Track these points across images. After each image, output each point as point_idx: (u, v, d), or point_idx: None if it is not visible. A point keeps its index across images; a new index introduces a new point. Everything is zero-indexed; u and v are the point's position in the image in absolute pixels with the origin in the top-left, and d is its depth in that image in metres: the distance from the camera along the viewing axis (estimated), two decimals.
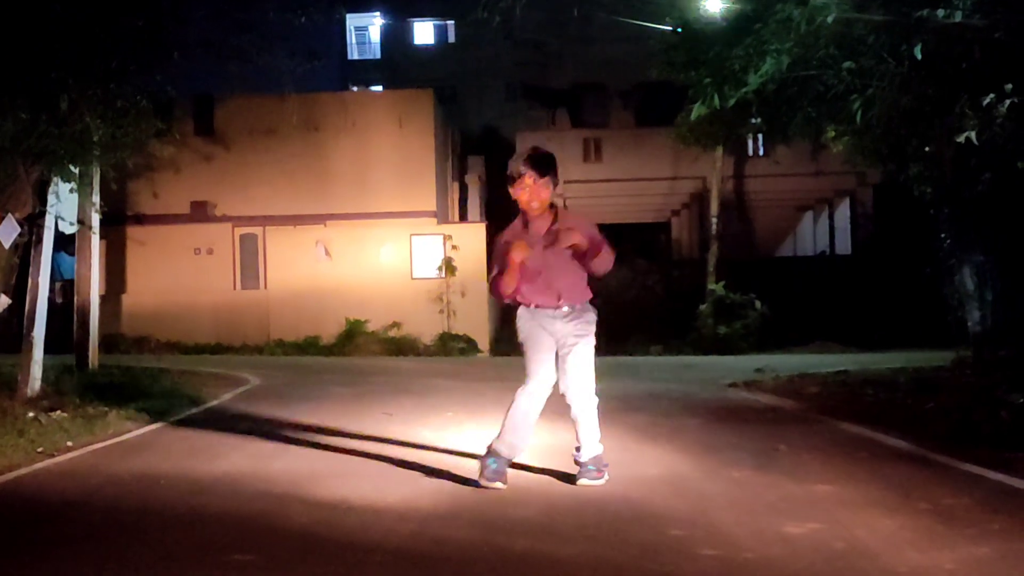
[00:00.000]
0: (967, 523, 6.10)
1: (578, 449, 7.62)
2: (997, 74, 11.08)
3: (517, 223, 7.65)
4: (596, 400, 7.65)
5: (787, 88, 14.26)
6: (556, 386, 7.57)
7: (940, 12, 10.77)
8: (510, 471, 7.52)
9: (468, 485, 7.41)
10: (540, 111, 45.06)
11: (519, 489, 7.31)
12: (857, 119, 12.98)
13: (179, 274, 31.46)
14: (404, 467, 8.28)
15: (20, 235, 13.37)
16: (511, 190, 7.50)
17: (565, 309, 7.52)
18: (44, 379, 14.13)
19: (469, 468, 7.88)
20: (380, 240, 31.52)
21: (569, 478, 7.64)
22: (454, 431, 10.26)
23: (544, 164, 7.41)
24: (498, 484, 7.31)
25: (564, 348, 7.55)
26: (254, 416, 12.10)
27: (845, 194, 36.85)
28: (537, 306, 7.57)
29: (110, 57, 12.97)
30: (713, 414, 12.13)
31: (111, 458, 9.18)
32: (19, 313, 14.33)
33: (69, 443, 9.91)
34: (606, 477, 7.55)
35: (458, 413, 11.79)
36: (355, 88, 49.43)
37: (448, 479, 7.71)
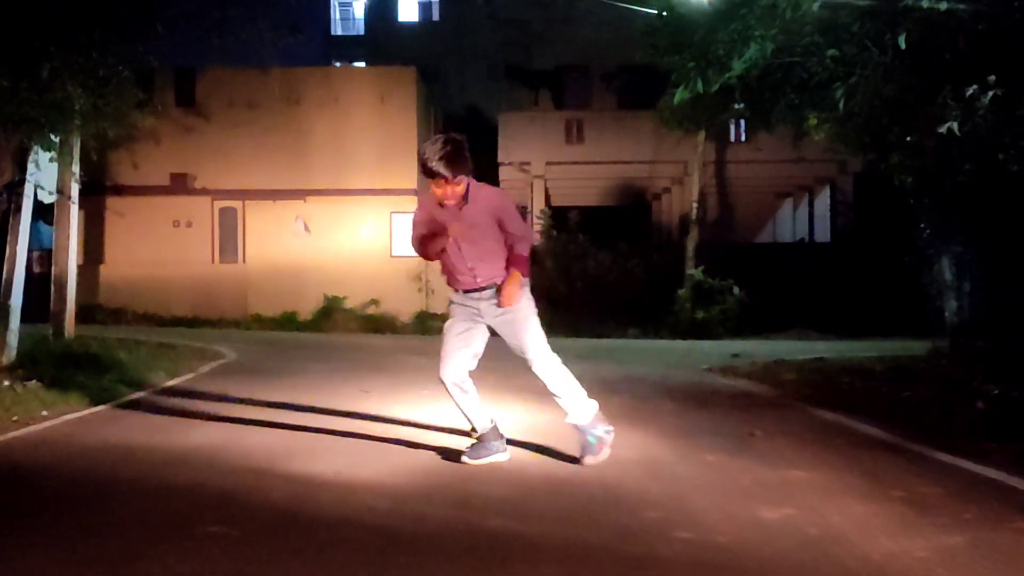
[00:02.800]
0: (940, 512, 6.12)
1: (568, 418, 7.64)
2: (980, 65, 11.09)
3: (431, 197, 7.59)
4: (557, 359, 7.63)
5: (770, 74, 14.26)
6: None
7: (925, 1, 10.78)
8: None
9: (450, 461, 7.43)
10: (523, 92, 44.93)
11: (496, 468, 7.32)
12: (840, 107, 12.99)
13: (157, 246, 31.36)
14: (380, 444, 8.28)
15: None
16: (429, 183, 7.44)
17: (486, 291, 7.54)
18: (20, 348, 14.10)
19: (444, 444, 7.89)
20: (360, 217, 31.49)
21: (547, 458, 7.65)
22: (430, 409, 10.25)
23: (457, 163, 7.28)
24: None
25: (499, 324, 7.60)
26: (230, 390, 12.08)
27: (825, 182, 36.84)
28: (463, 289, 7.61)
29: (93, 26, 12.90)
30: (689, 398, 12.15)
31: (86, 428, 9.17)
32: None
33: (44, 412, 9.90)
34: (606, 451, 7.59)
35: (434, 391, 11.75)
36: (338, 64, 49.30)
37: (424, 456, 7.71)
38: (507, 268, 7.53)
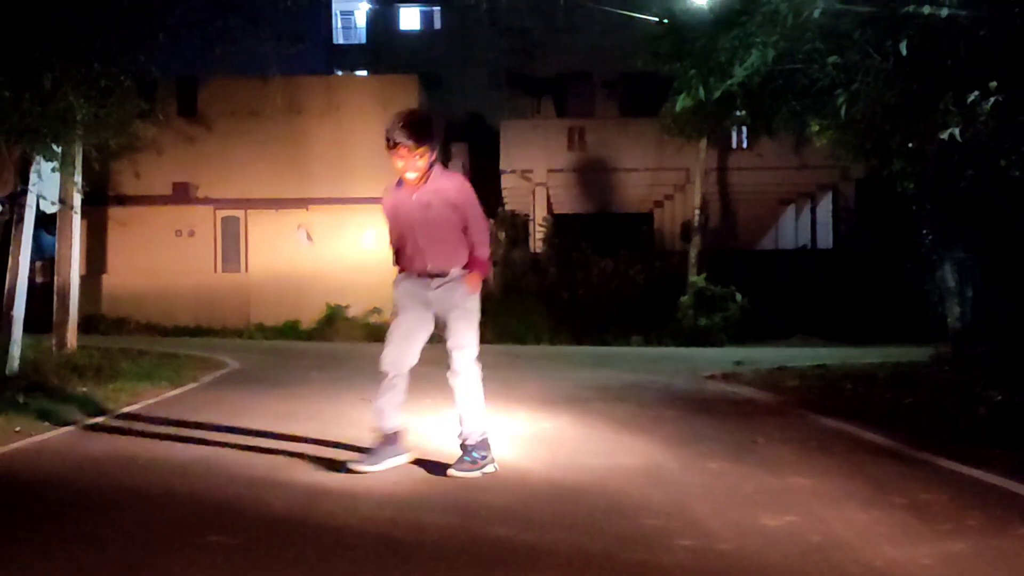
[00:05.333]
0: (943, 518, 6.12)
1: (461, 431, 7.58)
2: (982, 71, 11.09)
3: (392, 185, 7.56)
4: (479, 371, 7.57)
5: (772, 81, 14.26)
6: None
7: (926, 8, 10.78)
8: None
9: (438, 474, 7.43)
10: (525, 99, 44.99)
11: (497, 477, 7.31)
12: (841, 114, 12.99)
13: (160, 256, 31.39)
14: None
15: (1, 214, 13.33)
16: (389, 155, 7.33)
17: (436, 279, 7.43)
18: (23, 358, 14.10)
19: (447, 454, 7.88)
20: (362, 225, 31.47)
21: (549, 465, 7.64)
22: (432, 417, 10.26)
23: (420, 131, 7.22)
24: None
25: (440, 315, 7.50)
26: (233, 399, 12.09)
27: (827, 188, 36.85)
28: (410, 272, 7.51)
29: (94, 36, 12.91)
30: (692, 406, 12.15)
31: (88, 439, 9.16)
32: None
33: (46, 423, 9.88)
34: (485, 470, 7.40)
35: (435, 400, 11.76)
36: (340, 72, 49.33)
37: (425, 465, 7.70)
38: (467, 268, 7.48)
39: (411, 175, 7.31)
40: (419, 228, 7.37)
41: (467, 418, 7.52)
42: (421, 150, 7.21)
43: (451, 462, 7.49)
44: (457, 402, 7.57)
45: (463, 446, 7.50)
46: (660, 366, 18.74)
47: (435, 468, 7.58)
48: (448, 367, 7.56)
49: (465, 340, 7.49)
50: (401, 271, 7.60)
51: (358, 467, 7.37)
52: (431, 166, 7.38)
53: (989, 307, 16.13)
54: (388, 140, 7.26)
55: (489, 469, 7.43)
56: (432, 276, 7.43)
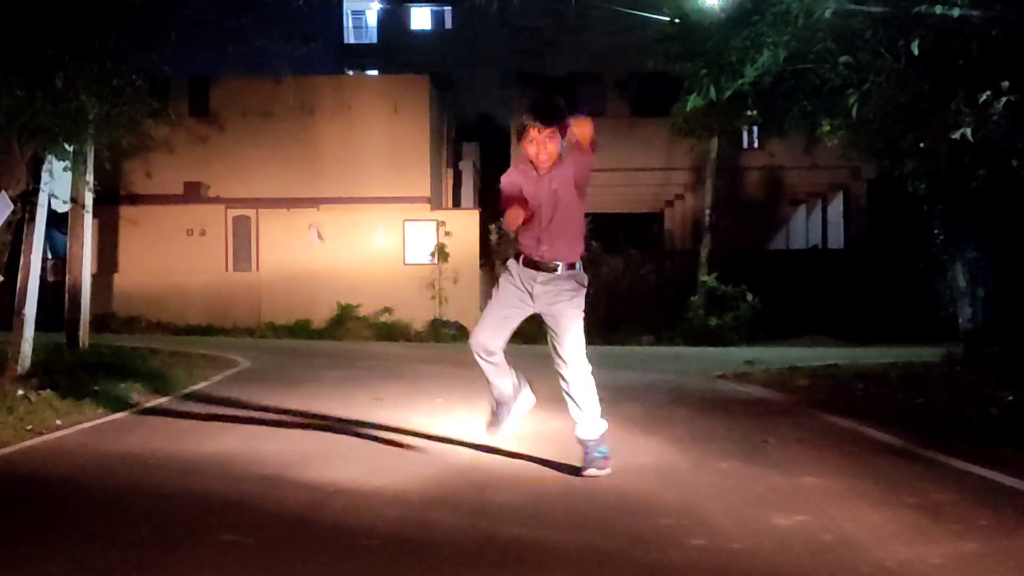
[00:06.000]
0: (955, 518, 6.11)
1: (577, 429, 7.48)
2: (994, 71, 11.06)
3: (516, 167, 7.48)
4: (589, 368, 7.44)
5: (783, 81, 14.23)
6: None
7: (938, 7, 10.76)
8: (501, 458, 7.52)
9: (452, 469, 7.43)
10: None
11: (508, 476, 7.31)
12: (853, 114, 12.96)
13: (171, 255, 31.44)
14: (393, 451, 8.28)
15: (13, 213, 13.34)
16: (521, 144, 7.25)
17: (556, 271, 7.31)
18: (34, 357, 14.13)
19: (459, 453, 7.90)
20: (373, 225, 31.54)
21: (562, 464, 7.64)
22: (444, 417, 10.26)
23: (549, 114, 7.14)
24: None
25: (547, 314, 7.40)
26: (244, 398, 12.09)
27: (839, 188, 36.81)
28: (526, 260, 7.37)
29: (107, 35, 12.92)
30: (703, 405, 12.15)
31: (100, 437, 9.18)
32: (11, 291, 14.30)
33: (58, 421, 9.91)
34: (608, 470, 7.33)
35: (448, 399, 11.79)
36: (351, 72, 49.35)
37: (437, 464, 7.71)
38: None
39: (543, 158, 7.18)
40: (545, 217, 7.25)
41: (584, 418, 7.42)
42: (550, 131, 7.10)
43: (463, 461, 7.52)
44: (571, 402, 7.45)
45: (585, 444, 7.43)
46: (671, 365, 18.74)
47: (447, 467, 7.59)
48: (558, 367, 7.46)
49: (570, 344, 7.37)
50: (518, 256, 7.46)
51: (491, 433, 7.73)
52: (560, 153, 7.27)
53: (1000, 307, 16.10)
54: (517, 130, 7.25)
55: (529, 402, 7.73)
56: (542, 268, 7.31)
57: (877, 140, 16.01)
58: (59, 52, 12.34)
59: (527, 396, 7.70)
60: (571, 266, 7.36)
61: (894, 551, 5.37)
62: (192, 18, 14.11)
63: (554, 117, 7.14)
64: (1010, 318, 15.51)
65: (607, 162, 35.68)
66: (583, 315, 7.46)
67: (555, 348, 7.42)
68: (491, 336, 7.45)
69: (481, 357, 7.47)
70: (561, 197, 7.23)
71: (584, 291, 7.46)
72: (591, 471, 7.29)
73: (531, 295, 7.35)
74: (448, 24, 51.62)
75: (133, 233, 31.66)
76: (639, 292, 30.34)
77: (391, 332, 29.73)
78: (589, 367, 7.43)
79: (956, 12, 10.72)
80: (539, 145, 7.12)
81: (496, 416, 7.68)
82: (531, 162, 7.26)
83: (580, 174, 7.24)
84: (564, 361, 7.37)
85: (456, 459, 7.85)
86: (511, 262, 7.52)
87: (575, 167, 7.22)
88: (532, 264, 7.34)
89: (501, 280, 7.56)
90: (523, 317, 7.50)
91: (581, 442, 7.44)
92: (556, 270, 7.31)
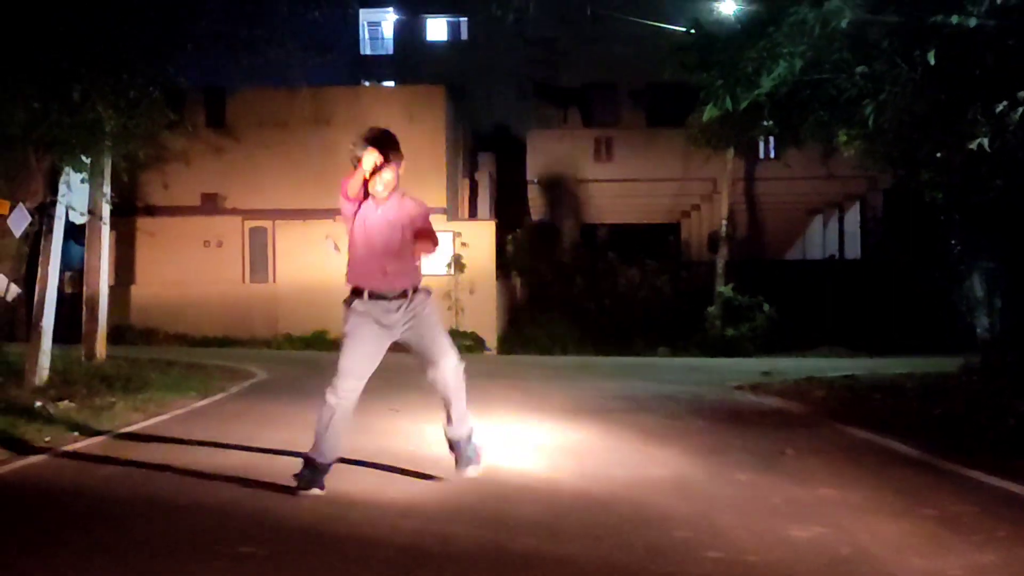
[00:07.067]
0: (972, 530, 6.10)
1: (449, 424, 7.56)
2: (1010, 81, 11.05)
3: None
4: (463, 365, 7.49)
5: (799, 91, 14.22)
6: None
7: (954, 18, 10.75)
8: (516, 470, 7.51)
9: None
10: (551, 109, 44.96)
11: (524, 488, 7.31)
12: (869, 123, 12.96)
13: (188, 266, 31.49)
14: (409, 463, 8.27)
15: (31, 224, 13.39)
16: (354, 176, 7.41)
17: (401, 300, 7.35)
18: (52, 368, 14.16)
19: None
20: None
21: (577, 476, 7.63)
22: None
23: (384, 144, 7.34)
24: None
25: (407, 332, 7.39)
26: (260, 410, 12.12)
27: (855, 198, 36.76)
28: (371, 294, 7.39)
29: (123, 48, 12.97)
30: (720, 416, 12.13)
31: (117, 449, 9.19)
32: (28, 303, 14.34)
33: (76, 433, 9.92)
34: (482, 463, 7.53)
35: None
36: (367, 83, 49.39)
37: (453, 476, 7.69)
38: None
39: (379, 188, 7.43)
40: (381, 244, 7.42)
41: (458, 416, 7.53)
42: (389, 164, 7.38)
43: (479, 473, 7.51)
44: (448, 400, 7.50)
45: (457, 443, 7.58)
46: (687, 376, 18.71)
47: (463, 478, 7.55)
48: (432, 375, 7.47)
49: (444, 345, 7.48)
50: (359, 292, 7.52)
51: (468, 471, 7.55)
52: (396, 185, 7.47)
53: (1018, 317, 16.05)
54: (353, 159, 7.48)
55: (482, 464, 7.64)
56: (391, 298, 7.37)
57: (893, 150, 15.98)
58: (76, 64, 12.39)
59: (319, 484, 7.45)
60: (416, 289, 7.46)
61: (911, 563, 5.35)
62: (208, 30, 14.16)
63: (388, 147, 7.41)
64: None
65: (623, 173, 35.88)
66: (439, 318, 7.63)
67: (431, 356, 7.43)
68: (360, 378, 7.37)
69: (343, 406, 7.29)
70: (395, 228, 7.41)
71: (431, 298, 7.58)
72: (471, 470, 7.44)
73: (387, 323, 7.37)
74: (464, 35, 51.63)
75: (150, 244, 31.72)
76: (655, 303, 30.26)
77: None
78: (463, 364, 7.50)
79: (972, 22, 10.71)
80: (379, 173, 7.38)
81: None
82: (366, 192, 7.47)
83: (421, 227, 7.40)
84: (446, 363, 7.39)
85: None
86: (355, 302, 7.51)
87: (419, 220, 7.45)
88: (381, 296, 7.40)
89: (349, 322, 7.49)
90: (384, 349, 7.48)
91: (453, 442, 7.58)
92: (406, 295, 7.39)
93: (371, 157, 7.24)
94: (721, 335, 28.99)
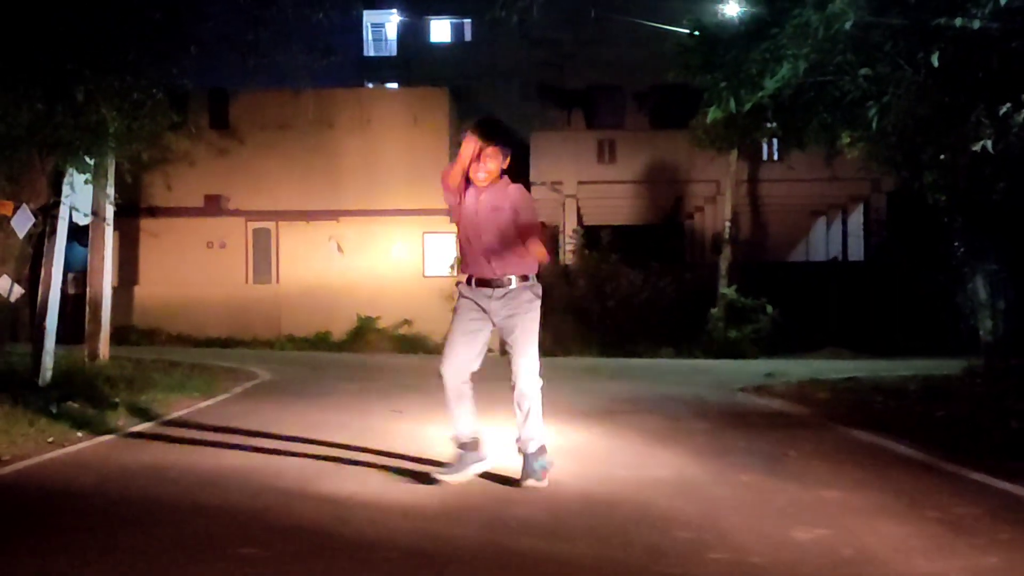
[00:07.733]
0: (976, 532, 6.09)
1: (519, 440, 7.51)
2: (1014, 83, 11.05)
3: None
4: (540, 383, 7.49)
5: (803, 93, 14.21)
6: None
7: (958, 20, 10.75)
8: (518, 470, 7.49)
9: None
10: (555, 111, 44.97)
11: (527, 489, 7.29)
12: (873, 126, 12.95)
13: (191, 267, 31.54)
14: (412, 464, 8.27)
15: (34, 225, 13.39)
16: (460, 153, 7.36)
17: (502, 288, 7.43)
18: (55, 369, 14.17)
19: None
20: (392, 237, 31.61)
21: (580, 478, 7.63)
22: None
23: (490, 132, 7.32)
24: (472, 467, 7.48)
25: (504, 322, 7.50)
26: (263, 411, 12.12)
27: (859, 200, 36.71)
28: (475, 282, 7.51)
29: (127, 49, 12.97)
30: (723, 418, 12.12)
31: (120, 449, 9.20)
32: (32, 303, 14.35)
33: (79, 434, 9.93)
34: (546, 481, 7.41)
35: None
36: (371, 85, 49.39)
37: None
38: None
39: (481, 176, 7.36)
40: (486, 232, 7.39)
41: (529, 431, 7.46)
42: (491, 150, 7.29)
43: (481, 474, 7.51)
44: (519, 412, 7.50)
45: (527, 456, 7.47)
46: (690, 378, 18.70)
47: (465, 480, 7.55)
48: (512, 379, 7.51)
49: (526, 354, 7.46)
50: (469, 280, 7.61)
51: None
52: (502, 172, 7.46)
53: (1021, 320, 16.04)
54: (461, 137, 7.45)
55: (482, 467, 7.64)
56: (494, 284, 7.46)
57: (897, 152, 15.97)
58: (80, 66, 12.38)
59: (482, 456, 7.65)
60: (524, 278, 7.52)
61: (915, 565, 5.35)
62: (212, 31, 14.16)
63: (494, 135, 7.32)
64: None
65: (626, 174, 35.84)
66: (538, 326, 7.60)
67: (512, 357, 7.50)
68: (464, 358, 7.49)
69: (454, 386, 7.46)
70: (498, 214, 7.38)
71: (539, 302, 7.60)
72: (531, 482, 7.34)
73: (488, 309, 7.49)
74: (468, 37, 51.58)
75: (153, 245, 31.77)
76: (658, 304, 30.20)
77: (411, 344, 29.76)
78: (540, 382, 7.51)
79: (976, 24, 10.71)
80: (480, 161, 7.29)
81: (460, 458, 7.59)
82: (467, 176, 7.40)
83: (524, 218, 7.42)
84: (519, 370, 7.43)
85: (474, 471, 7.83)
86: (462, 286, 7.66)
87: (525, 212, 7.42)
88: (485, 283, 7.50)
89: (457, 303, 7.67)
90: (488, 333, 7.57)
91: (524, 454, 7.51)
92: (511, 283, 7.46)
93: (469, 146, 7.20)
94: (724, 337, 28.97)
